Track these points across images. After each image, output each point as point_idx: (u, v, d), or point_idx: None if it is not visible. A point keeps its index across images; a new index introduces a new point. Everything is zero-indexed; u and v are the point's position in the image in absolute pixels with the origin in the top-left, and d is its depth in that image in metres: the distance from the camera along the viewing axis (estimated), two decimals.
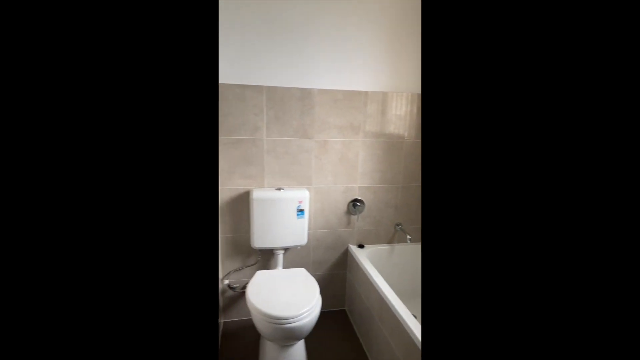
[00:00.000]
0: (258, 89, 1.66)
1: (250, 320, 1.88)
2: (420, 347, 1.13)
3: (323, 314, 1.98)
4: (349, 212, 1.92)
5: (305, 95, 1.72)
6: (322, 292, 1.99)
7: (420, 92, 1.84)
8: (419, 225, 2.03)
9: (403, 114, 1.85)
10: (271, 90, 1.68)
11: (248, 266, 1.86)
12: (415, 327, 1.20)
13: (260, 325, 1.35)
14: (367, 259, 1.80)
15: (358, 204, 1.90)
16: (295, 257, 1.92)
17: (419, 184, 1.96)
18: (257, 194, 1.66)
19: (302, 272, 1.65)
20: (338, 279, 2.01)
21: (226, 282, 1.83)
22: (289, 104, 1.71)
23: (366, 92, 1.78)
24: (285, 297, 1.42)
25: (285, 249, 1.82)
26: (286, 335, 1.32)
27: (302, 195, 1.71)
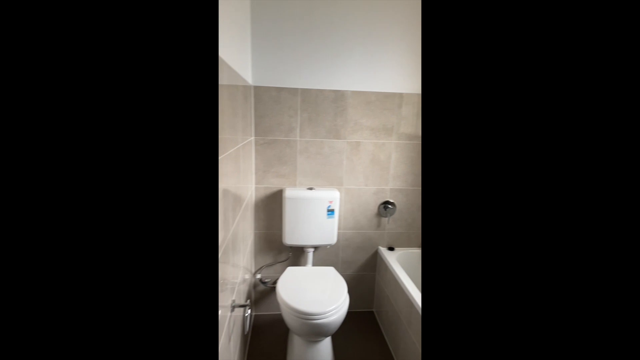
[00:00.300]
0: (293, 91, 1.72)
1: (280, 314, 1.95)
2: None
3: (351, 314, 2.00)
4: (379, 214, 1.92)
5: (338, 97, 1.75)
6: (350, 292, 2.01)
7: None
8: None
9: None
10: (305, 92, 1.73)
11: (279, 262, 1.93)
12: None
13: (289, 319, 1.40)
14: (397, 262, 1.79)
15: (389, 206, 1.89)
16: (324, 256, 1.95)
17: None
18: (289, 193, 1.72)
19: (331, 270, 1.68)
20: (367, 280, 2.02)
21: (258, 276, 1.91)
22: (323, 106, 1.75)
23: (401, 94, 1.77)
24: (314, 293, 1.45)
25: (315, 247, 1.86)
26: (313, 331, 1.36)
27: (332, 196, 1.74)
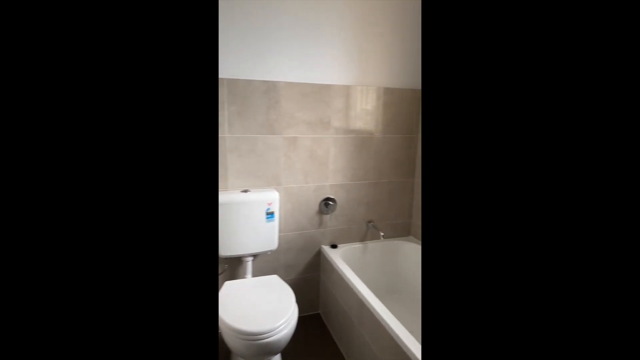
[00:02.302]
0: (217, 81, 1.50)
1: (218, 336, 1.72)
2: (405, 350, 1.08)
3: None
4: (320, 212, 1.84)
5: (270, 88, 1.59)
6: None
7: (386, 86, 1.81)
8: (390, 222, 2.01)
9: (372, 108, 1.80)
10: (232, 83, 1.53)
11: None
12: (398, 328, 1.15)
13: (231, 342, 1.22)
14: (341, 259, 1.74)
15: (330, 202, 1.82)
16: (265, 263, 1.79)
17: (389, 180, 1.93)
18: (220, 198, 1.51)
19: (274, 279, 1.53)
20: (311, 282, 1.93)
21: None
22: (253, 98, 1.58)
23: (335, 86, 1.70)
24: (259, 308, 1.30)
25: (255, 255, 1.68)
26: (262, 352, 1.21)
27: (271, 197, 1.59)
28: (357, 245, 1.93)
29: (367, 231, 1.97)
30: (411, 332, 1.16)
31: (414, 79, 1.85)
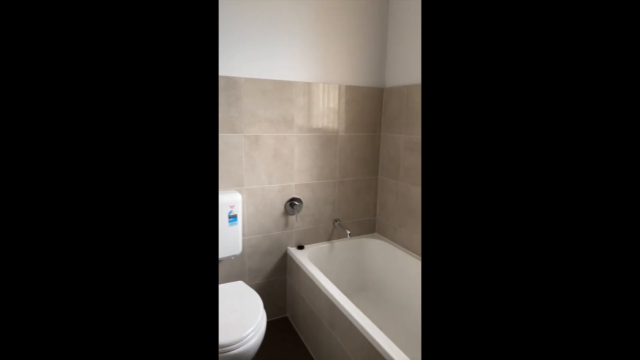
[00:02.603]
0: None
1: None
2: (379, 350, 1.08)
3: None
4: (286, 213, 1.78)
5: (230, 84, 1.51)
6: None
7: (349, 84, 1.81)
8: (356, 219, 2.02)
9: (335, 106, 1.79)
10: None
11: None
12: (371, 328, 1.15)
13: None
14: (309, 260, 1.70)
15: (296, 203, 1.78)
16: (229, 269, 1.70)
17: (354, 178, 1.94)
18: None
19: (240, 285, 1.45)
20: (277, 285, 1.87)
21: None
22: None
23: (297, 83, 1.66)
24: (225, 319, 1.21)
25: (218, 261, 1.59)
26: None
27: (233, 199, 1.51)
28: (324, 245, 1.91)
29: (333, 230, 1.96)
30: (380, 328, 1.16)
31: (376, 78, 1.87)
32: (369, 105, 1.89)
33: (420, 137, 1.67)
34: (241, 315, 1.23)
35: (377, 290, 1.97)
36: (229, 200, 1.49)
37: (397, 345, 1.07)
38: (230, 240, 1.53)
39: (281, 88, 1.62)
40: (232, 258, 1.67)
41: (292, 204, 1.77)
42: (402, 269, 1.80)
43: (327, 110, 1.77)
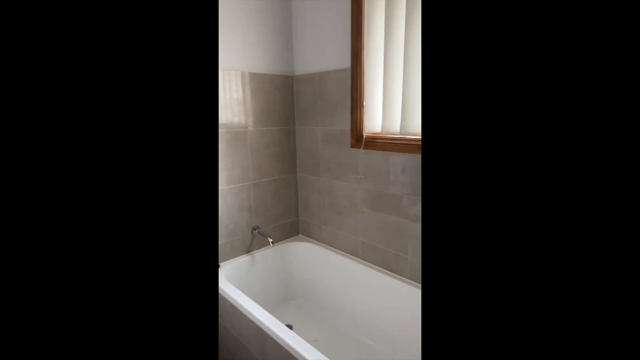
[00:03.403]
0: None
1: None
2: None
3: None
4: None
5: None
6: None
7: (252, 71, 1.57)
8: (278, 223, 1.81)
9: (239, 97, 1.53)
10: None
11: None
12: (313, 355, 0.97)
13: None
14: (226, 281, 1.43)
15: None
16: None
17: (271, 177, 1.72)
18: None
19: None
20: None
21: None
22: None
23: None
24: None
25: None
26: None
27: None
28: (243, 259, 1.65)
29: (253, 240, 1.71)
30: (315, 340, 1.00)
31: (283, 65, 1.68)
32: (279, 95, 1.69)
33: (339, 128, 1.55)
34: None
35: (309, 297, 1.82)
36: None
37: (342, 353, 0.92)
38: None
39: None
40: None
41: None
42: (332, 270, 1.69)
43: (231, 100, 1.50)
